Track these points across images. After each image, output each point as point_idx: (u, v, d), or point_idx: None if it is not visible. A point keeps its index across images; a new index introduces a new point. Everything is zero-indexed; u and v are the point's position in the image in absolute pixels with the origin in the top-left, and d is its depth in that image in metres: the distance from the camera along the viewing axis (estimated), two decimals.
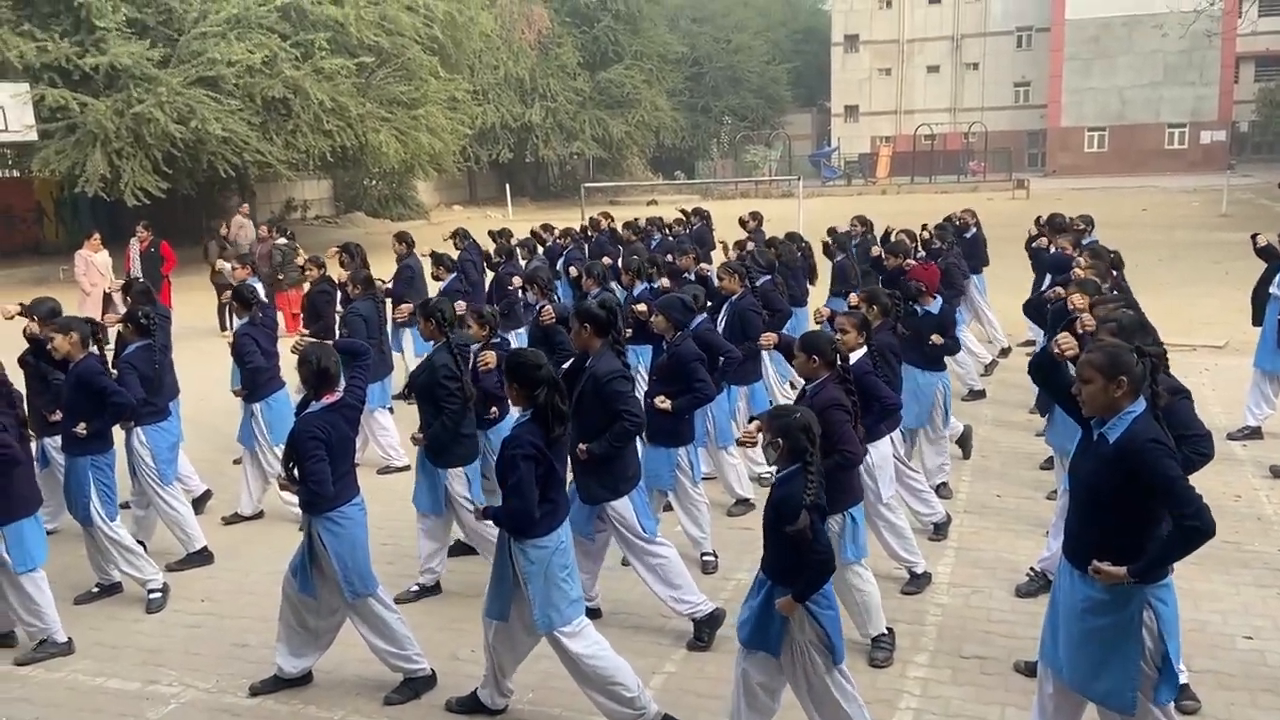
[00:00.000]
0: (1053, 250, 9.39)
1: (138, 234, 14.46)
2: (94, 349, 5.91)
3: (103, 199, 20.93)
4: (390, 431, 8.16)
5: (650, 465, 5.88)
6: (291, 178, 26.69)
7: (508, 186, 37.93)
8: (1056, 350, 3.77)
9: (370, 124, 23.47)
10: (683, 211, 13.98)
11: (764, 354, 7.89)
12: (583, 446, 4.91)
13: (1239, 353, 10.01)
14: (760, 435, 3.90)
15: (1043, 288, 8.36)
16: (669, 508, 6.20)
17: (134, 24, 20.40)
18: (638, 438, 5.82)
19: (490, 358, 5.92)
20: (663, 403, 5.77)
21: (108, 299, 13.59)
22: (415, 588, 5.86)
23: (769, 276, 8.61)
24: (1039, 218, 11.12)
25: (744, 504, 7.01)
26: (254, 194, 30.46)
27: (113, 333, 7.25)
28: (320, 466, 4.52)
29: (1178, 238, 22.19)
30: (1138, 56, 48.19)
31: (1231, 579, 5.74)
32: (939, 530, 6.41)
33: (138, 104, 19.41)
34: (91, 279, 13.49)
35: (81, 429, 5.61)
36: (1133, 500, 3.37)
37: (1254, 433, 8.22)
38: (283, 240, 14.61)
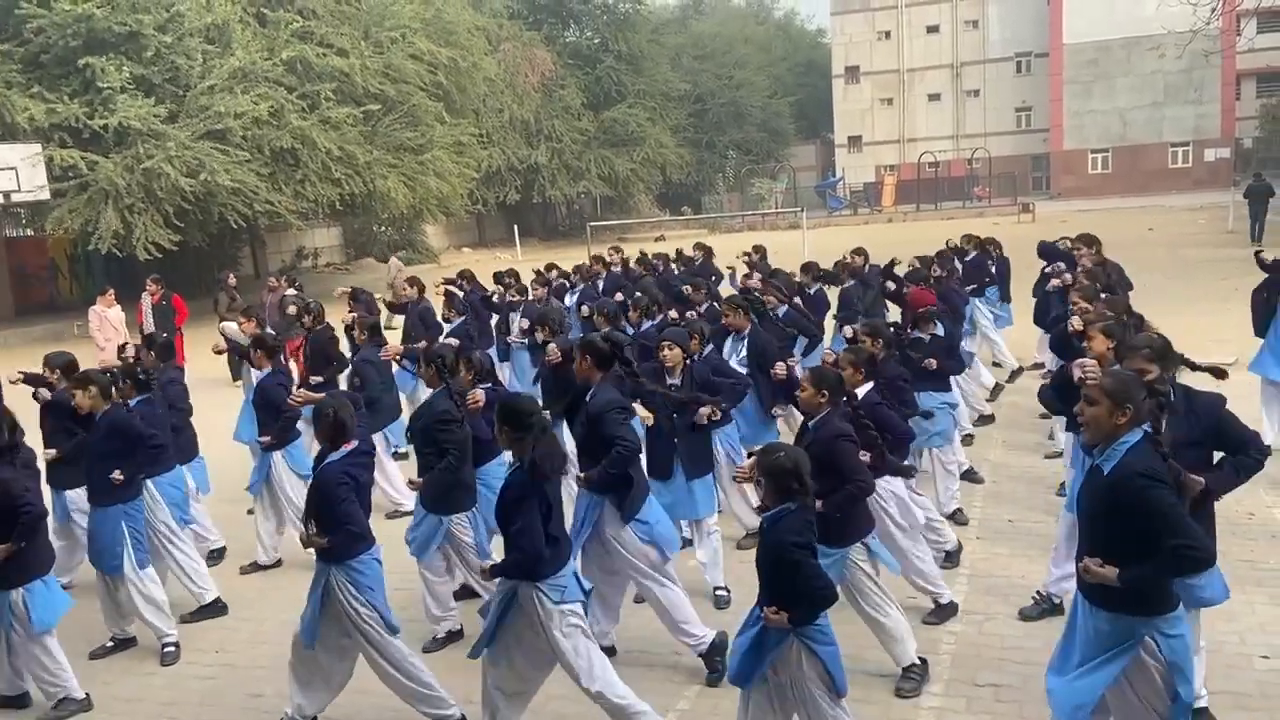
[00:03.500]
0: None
1: (149, 288, 14.63)
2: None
3: (116, 254, 21.21)
4: (397, 475, 8.19)
5: (698, 494, 5.98)
6: (301, 226, 27.00)
7: (516, 228, 38.24)
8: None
9: (378, 170, 23.79)
10: (679, 252, 13.97)
11: None
12: (581, 475, 4.96)
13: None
14: (754, 472, 3.90)
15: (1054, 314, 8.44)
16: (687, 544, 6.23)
17: (140, 82, 20.77)
18: (678, 469, 5.91)
19: (479, 395, 5.94)
20: (705, 415, 5.87)
21: (122, 352, 13.74)
22: (441, 635, 5.85)
23: (787, 308, 8.67)
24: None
25: (753, 536, 7.00)
26: (264, 244, 30.83)
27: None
28: (353, 509, 4.61)
29: (1186, 256, 22.16)
30: (1137, 78, 48.40)
31: (1247, 597, 5.69)
32: (950, 558, 6.39)
33: (147, 159, 19.74)
34: (106, 334, 13.64)
35: (118, 476, 5.66)
36: (1129, 529, 3.37)
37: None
38: (291, 291, 14.75)
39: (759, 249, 12.63)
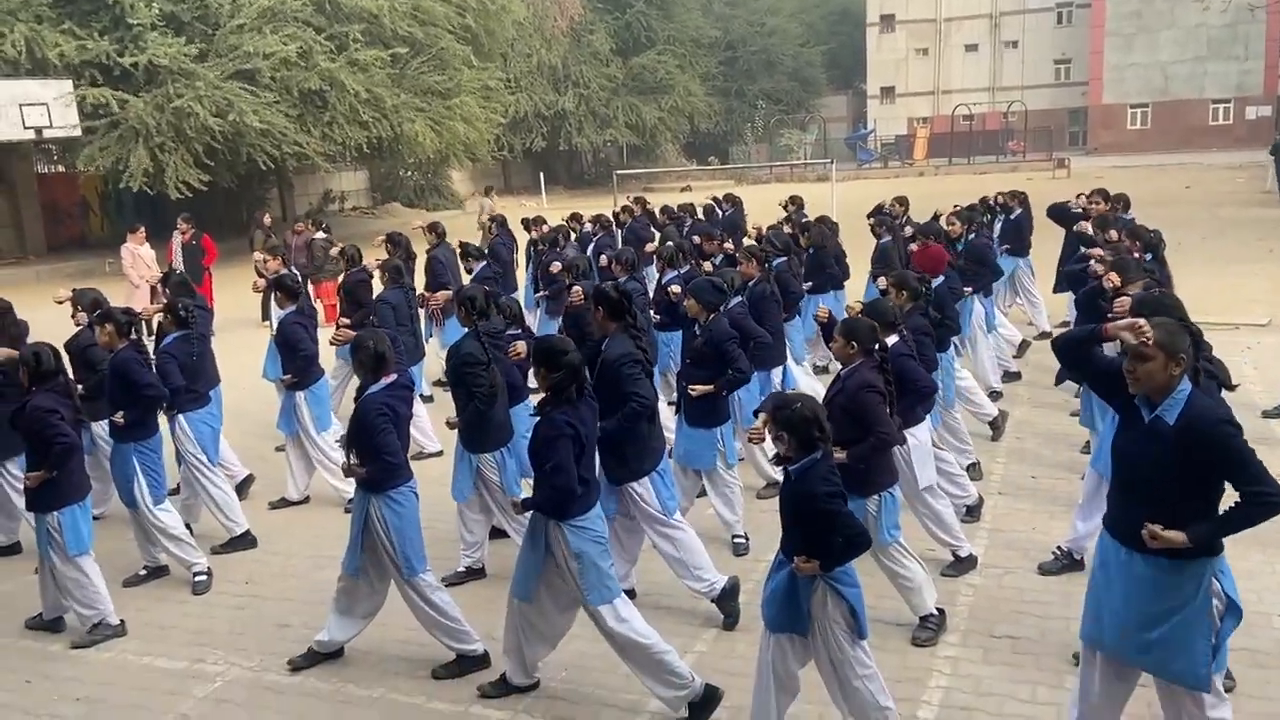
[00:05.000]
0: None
1: (179, 227, 14.71)
2: (133, 338, 6.06)
3: (146, 193, 21.32)
4: (422, 417, 8.27)
5: (691, 446, 5.96)
6: (329, 169, 27.04)
7: (542, 175, 38.03)
8: (1132, 337, 3.44)
9: (405, 114, 23.66)
10: (714, 199, 13.97)
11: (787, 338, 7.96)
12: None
13: None
14: (767, 429, 3.87)
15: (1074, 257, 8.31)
16: (702, 493, 6.26)
17: (170, 19, 20.72)
18: (682, 419, 5.92)
19: (521, 348, 5.99)
20: (698, 389, 5.84)
21: (154, 291, 13.88)
22: (461, 569, 5.95)
23: (784, 259, 8.64)
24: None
25: (773, 486, 7.04)
26: (292, 186, 30.86)
27: (155, 323, 7.42)
28: (391, 439, 4.69)
29: (1222, 215, 21.78)
30: (1180, 31, 47.20)
31: (1268, 558, 5.69)
32: (971, 512, 6.40)
33: (177, 99, 19.73)
34: (139, 271, 13.76)
35: (119, 418, 5.80)
36: (1194, 479, 3.35)
37: None
38: (320, 234, 14.81)
39: (796, 199, 12.53)
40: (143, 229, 14.62)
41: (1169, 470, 3.38)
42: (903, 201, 11.56)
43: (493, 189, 24.76)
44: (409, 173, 35.42)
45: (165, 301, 6.98)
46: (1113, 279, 5.92)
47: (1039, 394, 9.25)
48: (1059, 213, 10.19)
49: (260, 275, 8.77)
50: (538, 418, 4.41)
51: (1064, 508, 6.51)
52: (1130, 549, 3.52)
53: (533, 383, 5.06)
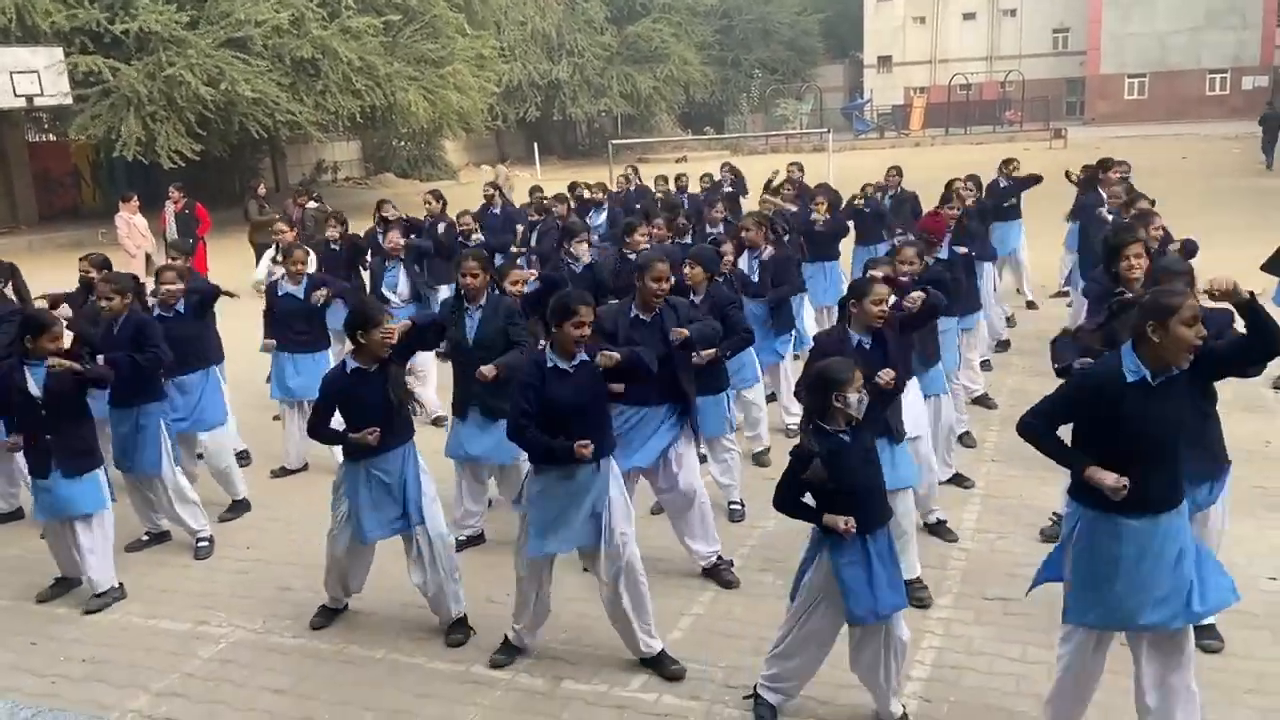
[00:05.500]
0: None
1: (171, 196, 14.67)
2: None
3: (138, 162, 21.22)
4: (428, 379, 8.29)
5: (711, 412, 5.88)
6: (322, 139, 26.87)
7: (536, 145, 37.85)
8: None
9: (399, 83, 23.53)
10: (709, 176, 13.92)
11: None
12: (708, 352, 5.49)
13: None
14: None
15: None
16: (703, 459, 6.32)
17: None
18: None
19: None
20: (706, 353, 5.84)
21: (149, 260, 13.88)
22: (462, 538, 5.96)
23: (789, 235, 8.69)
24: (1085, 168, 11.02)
25: (767, 452, 7.14)
26: (284, 156, 30.71)
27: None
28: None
29: (1218, 186, 21.79)
30: (1178, 1, 46.92)
31: (1259, 522, 5.77)
32: (961, 481, 6.48)
33: (169, 67, 19.61)
34: (135, 240, 13.75)
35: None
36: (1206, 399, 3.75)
37: None
38: (313, 204, 14.77)
39: (798, 165, 12.51)
40: (136, 198, 14.59)
41: (1193, 411, 3.66)
42: (899, 171, 11.61)
43: (509, 159, 24.78)
44: (402, 143, 35.22)
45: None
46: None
47: (1034, 362, 9.31)
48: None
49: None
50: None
51: (1056, 474, 6.53)
52: (1160, 514, 3.50)
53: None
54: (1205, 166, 25.96)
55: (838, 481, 3.73)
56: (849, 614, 3.79)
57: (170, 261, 7.31)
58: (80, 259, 7.10)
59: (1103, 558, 3.57)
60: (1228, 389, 8.15)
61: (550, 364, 4.36)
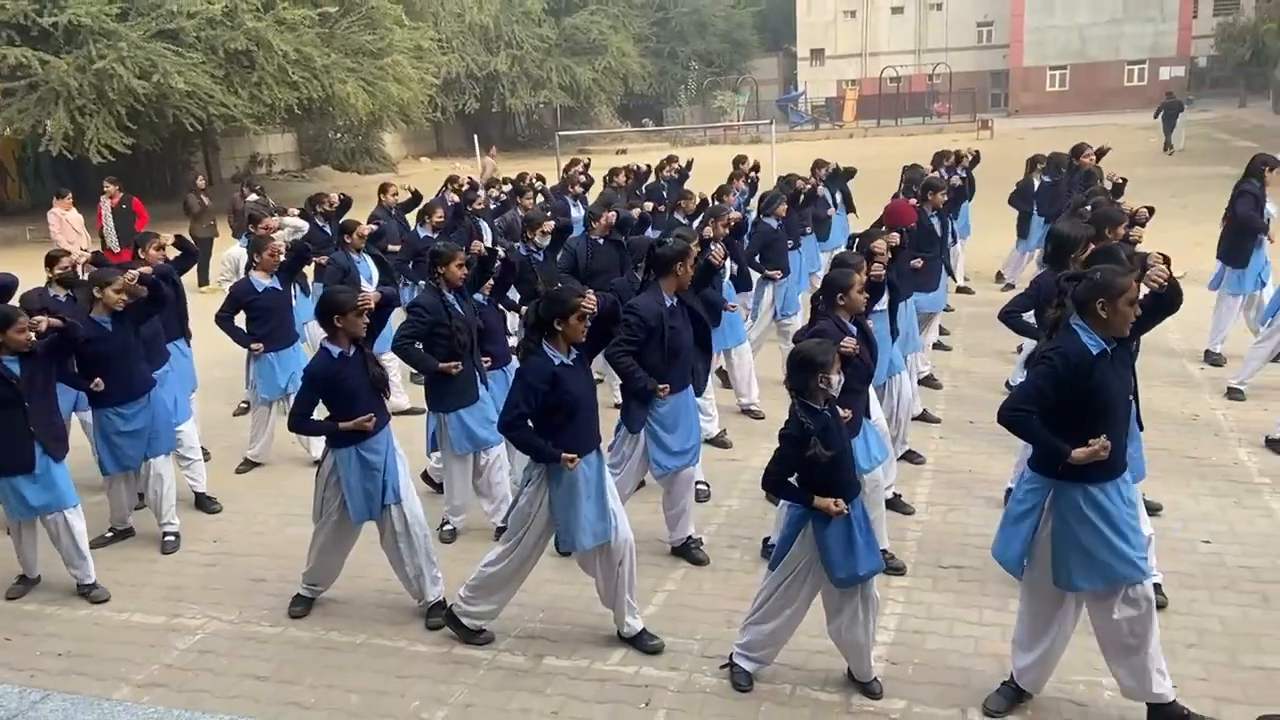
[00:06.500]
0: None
1: (106, 190, 14.32)
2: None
3: (66, 157, 20.67)
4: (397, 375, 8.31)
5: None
6: (258, 131, 26.41)
7: (475, 137, 37.56)
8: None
9: (337, 75, 23.24)
10: (658, 167, 13.95)
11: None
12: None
13: (1197, 282, 10.36)
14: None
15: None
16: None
17: None
18: None
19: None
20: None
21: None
22: (451, 528, 6.06)
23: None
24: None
25: (725, 433, 7.36)
26: (218, 149, 30.10)
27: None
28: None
29: (1137, 174, 22.48)
30: None
31: (1191, 490, 6.13)
32: (913, 458, 6.76)
33: (99, 60, 19.14)
34: (68, 237, 13.43)
35: (98, 383, 5.72)
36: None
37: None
38: (253, 197, 14.59)
39: (746, 159, 12.70)
40: (70, 194, 14.26)
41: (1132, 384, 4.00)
42: (823, 165, 11.92)
43: (494, 146, 24.76)
44: (339, 135, 34.74)
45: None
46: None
47: (975, 342, 9.68)
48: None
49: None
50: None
51: (1002, 449, 6.88)
52: (1122, 478, 3.85)
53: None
54: (1126, 156, 26.74)
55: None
56: (834, 578, 4.00)
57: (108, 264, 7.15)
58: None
59: (1089, 524, 3.78)
60: (1159, 366, 8.56)
61: (558, 362, 4.44)
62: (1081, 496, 3.79)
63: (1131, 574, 3.76)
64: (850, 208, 12.26)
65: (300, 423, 4.93)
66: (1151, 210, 7.13)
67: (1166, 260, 3.96)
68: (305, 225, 9.69)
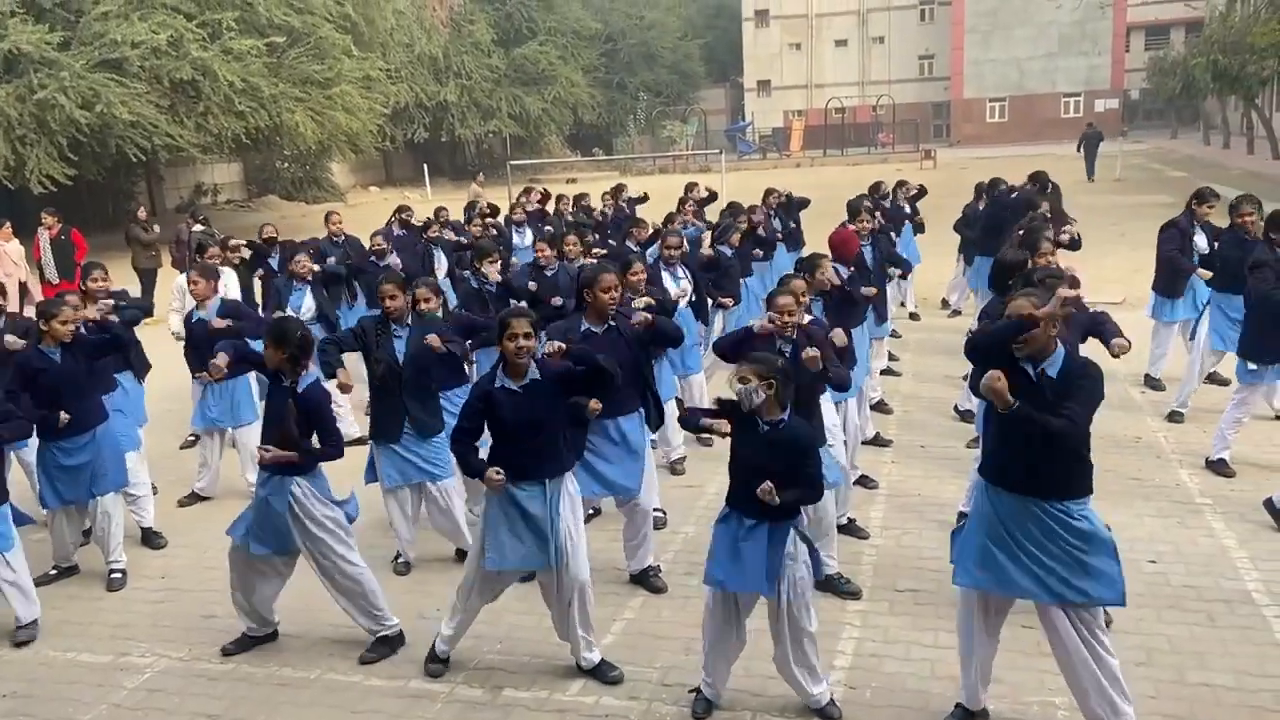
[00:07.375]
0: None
1: (44, 222, 14.03)
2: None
3: (6, 187, 20.22)
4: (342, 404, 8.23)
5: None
6: (204, 160, 26.13)
7: (425, 167, 37.55)
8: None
9: (285, 104, 23.04)
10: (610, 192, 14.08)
11: None
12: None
13: (1134, 308, 10.66)
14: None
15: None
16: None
17: (30, 5, 19.72)
18: None
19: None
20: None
21: (23, 289, 13.30)
22: (404, 560, 5.99)
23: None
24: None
25: (683, 461, 7.37)
26: (162, 179, 29.70)
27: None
28: (338, 426, 4.94)
29: (1076, 202, 23.09)
30: (1034, 28, 49.86)
31: (1135, 511, 6.28)
32: (866, 482, 6.83)
33: (40, 89, 18.80)
34: (5, 269, 13.11)
35: (65, 416, 5.63)
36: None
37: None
38: (199, 227, 14.40)
39: (697, 187, 12.81)
40: (8, 224, 13.94)
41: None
42: (774, 192, 12.08)
43: (480, 174, 24.81)
44: (286, 164, 34.45)
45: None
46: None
47: (923, 368, 9.84)
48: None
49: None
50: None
51: (953, 473, 7.01)
52: (1038, 499, 3.87)
53: None
54: (1063, 184, 27.08)
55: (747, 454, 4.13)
56: (706, 573, 4.19)
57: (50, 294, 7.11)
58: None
59: (993, 525, 4.02)
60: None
61: (499, 384, 4.47)
62: (981, 493, 4.04)
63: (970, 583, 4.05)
64: (799, 243, 11.96)
65: (464, 460, 4.66)
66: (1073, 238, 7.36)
67: (1075, 283, 4.11)
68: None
